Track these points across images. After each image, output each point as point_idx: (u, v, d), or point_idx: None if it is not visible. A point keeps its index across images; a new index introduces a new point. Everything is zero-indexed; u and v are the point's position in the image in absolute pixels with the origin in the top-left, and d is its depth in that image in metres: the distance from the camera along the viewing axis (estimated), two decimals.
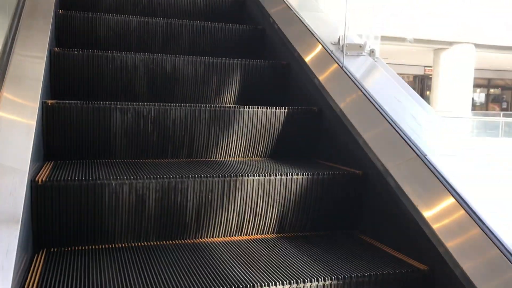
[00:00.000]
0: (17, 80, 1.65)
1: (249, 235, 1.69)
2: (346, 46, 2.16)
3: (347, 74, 2.05)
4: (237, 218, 1.66)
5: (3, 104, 1.50)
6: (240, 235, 1.68)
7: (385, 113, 1.79)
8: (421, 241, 1.44)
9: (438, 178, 1.48)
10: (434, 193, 1.46)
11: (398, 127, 1.71)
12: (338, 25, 2.31)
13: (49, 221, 1.46)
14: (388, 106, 1.82)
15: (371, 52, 2.19)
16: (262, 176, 1.66)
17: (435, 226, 1.38)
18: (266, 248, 1.56)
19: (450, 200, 1.41)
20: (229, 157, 2.06)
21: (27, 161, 1.36)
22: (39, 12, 2.15)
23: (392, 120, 1.75)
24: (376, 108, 1.82)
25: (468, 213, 1.36)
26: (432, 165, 1.53)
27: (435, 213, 1.41)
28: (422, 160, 1.56)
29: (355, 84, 1.98)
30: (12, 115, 1.50)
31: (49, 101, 1.80)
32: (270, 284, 1.26)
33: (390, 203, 1.60)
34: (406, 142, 1.64)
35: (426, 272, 1.39)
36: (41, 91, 1.67)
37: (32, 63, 1.80)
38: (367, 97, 1.88)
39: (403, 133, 1.68)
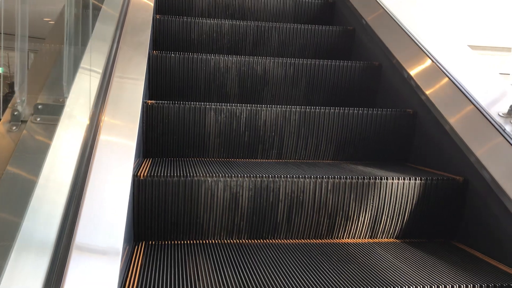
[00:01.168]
0: (123, 81, 1.74)
1: (340, 238, 1.66)
2: None
3: None
4: (328, 220, 1.63)
5: (110, 101, 1.60)
6: (331, 238, 1.65)
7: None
8: None
9: None
10: None
11: None
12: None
13: (149, 214, 1.53)
14: None
15: None
16: (354, 179, 1.62)
17: None
18: (358, 252, 1.52)
19: None
20: (318, 159, 2.04)
21: (132, 157, 1.43)
22: (140, 19, 2.27)
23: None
24: None
25: None
26: None
27: None
28: None
29: None
30: (116, 113, 1.59)
31: (149, 101, 1.89)
32: None
33: (496, 212, 1.50)
34: None
35: None
36: (143, 92, 1.75)
37: (134, 65, 1.90)
38: None
39: None
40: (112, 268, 1.05)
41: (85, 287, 0.99)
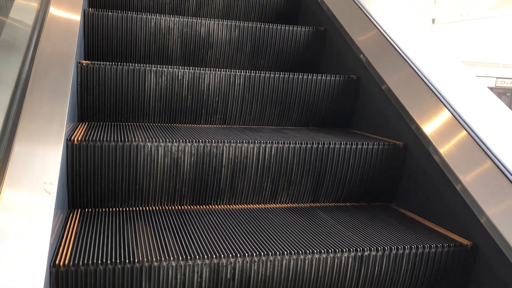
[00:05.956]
0: (52, 37, 1.62)
1: (283, 203, 1.66)
2: None
3: None
4: (271, 185, 1.62)
5: (38, 60, 1.48)
6: (274, 202, 1.65)
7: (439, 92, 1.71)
8: (465, 216, 1.38)
9: (490, 157, 1.41)
10: (482, 168, 1.40)
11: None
12: None
13: (84, 181, 1.45)
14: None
15: None
16: (298, 144, 1.61)
17: (479, 201, 1.32)
18: (301, 216, 1.53)
19: (502, 180, 1.34)
20: (263, 125, 2.02)
21: (63, 120, 1.34)
22: None
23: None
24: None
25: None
26: (482, 141, 1.45)
27: (485, 191, 1.35)
28: (473, 138, 1.49)
29: None
30: (47, 73, 1.48)
31: (84, 62, 1.77)
32: (307, 252, 1.23)
33: (432, 176, 1.54)
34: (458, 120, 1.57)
35: (469, 248, 1.34)
36: (76, 51, 1.64)
37: (66, 22, 1.77)
38: None
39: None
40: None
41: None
